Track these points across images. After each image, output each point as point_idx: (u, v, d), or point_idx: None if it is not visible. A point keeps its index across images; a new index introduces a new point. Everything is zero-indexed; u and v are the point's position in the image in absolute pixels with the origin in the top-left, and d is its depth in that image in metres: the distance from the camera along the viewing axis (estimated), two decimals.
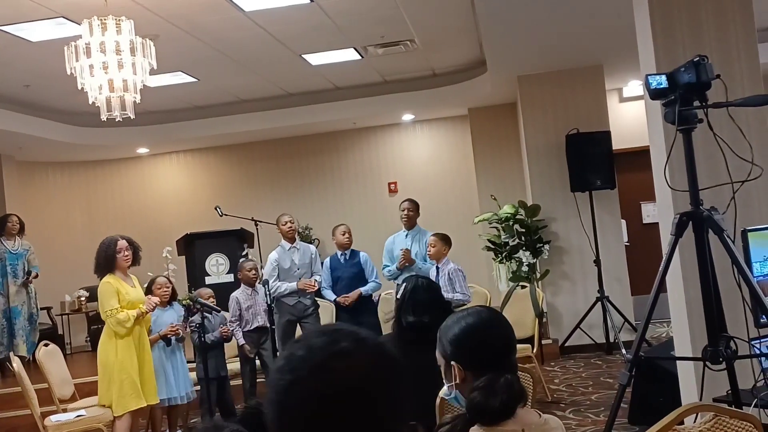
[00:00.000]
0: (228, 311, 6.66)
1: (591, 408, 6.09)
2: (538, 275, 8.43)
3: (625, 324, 8.24)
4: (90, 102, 6.01)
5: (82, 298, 10.34)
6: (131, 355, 5.36)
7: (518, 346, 2.37)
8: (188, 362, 6.88)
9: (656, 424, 2.30)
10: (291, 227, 6.94)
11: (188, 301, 6.46)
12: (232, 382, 6.56)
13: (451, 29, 7.74)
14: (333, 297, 6.88)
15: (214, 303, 6.36)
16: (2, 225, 8.89)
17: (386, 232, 7.44)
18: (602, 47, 7.82)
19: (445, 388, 2.10)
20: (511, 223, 8.42)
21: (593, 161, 8.15)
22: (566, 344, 8.31)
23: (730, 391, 3.08)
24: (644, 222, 10.03)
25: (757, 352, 3.13)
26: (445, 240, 6.35)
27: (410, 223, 6.94)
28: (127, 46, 5.76)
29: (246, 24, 6.88)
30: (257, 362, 6.61)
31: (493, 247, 8.64)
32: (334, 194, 11.44)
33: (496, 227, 8.66)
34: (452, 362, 2.04)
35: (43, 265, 9.34)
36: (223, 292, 6.96)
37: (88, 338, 10.31)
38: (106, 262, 5.42)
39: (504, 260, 8.47)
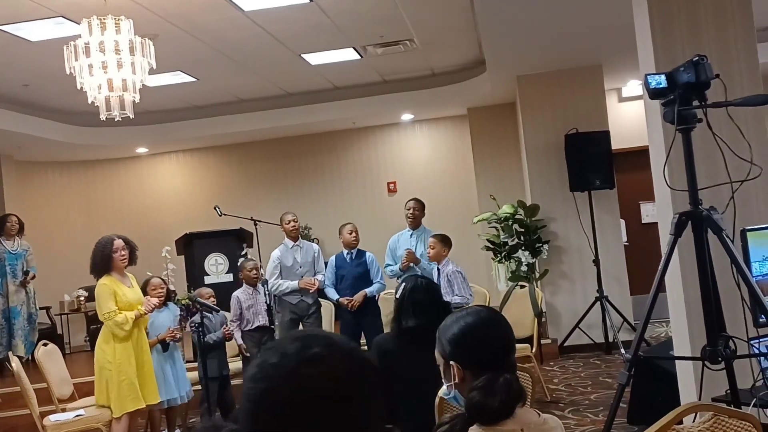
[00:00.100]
0: (228, 310, 6.66)
1: (590, 408, 6.10)
2: (537, 275, 8.43)
3: (624, 324, 8.24)
4: (89, 101, 6.01)
5: (81, 298, 10.34)
6: (129, 357, 5.33)
7: (517, 345, 2.38)
8: (188, 362, 6.89)
9: (655, 424, 2.30)
10: (294, 226, 6.95)
11: (187, 300, 6.45)
12: (234, 381, 6.55)
13: (450, 29, 7.74)
14: (336, 297, 6.83)
15: (215, 302, 6.36)
16: (1, 225, 8.88)
17: (385, 232, 7.44)
18: (601, 47, 7.83)
19: (444, 387, 2.10)
20: (510, 222, 8.42)
21: (592, 161, 8.15)
22: (565, 344, 8.31)
23: (729, 391, 3.08)
24: (643, 222, 10.03)
25: (756, 351, 3.13)
26: (444, 241, 6.32)
27: (415, 222, 6.93)
28: (126, 45, 5.76)
29: (245, 23, 6.88)
30: None
31: (492, 246, 8.64)
32: (334, 194, 11.45)
33: (495, 227, 8.67)
34: (451, 362, 2.04)
35: (42, 265, 9.34)
36: (222, 291, 6.96)
37: (87, 338, 10.30)
38: (103, 262, 5.36)
39: (503, 260, 8.47)
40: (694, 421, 2.44)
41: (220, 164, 11.76)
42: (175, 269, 8.34)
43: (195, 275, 8.31)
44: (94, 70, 5.75)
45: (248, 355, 6.50)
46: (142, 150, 11.54)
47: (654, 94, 3.06)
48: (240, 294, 6.68)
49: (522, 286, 7.48)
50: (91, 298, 9.33)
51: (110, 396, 5.28)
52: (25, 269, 8.91)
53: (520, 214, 8.42)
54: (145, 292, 5.82)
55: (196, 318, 6.00)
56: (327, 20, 7.03)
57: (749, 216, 3.85)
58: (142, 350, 5.46)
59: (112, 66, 5.74)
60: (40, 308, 9.45)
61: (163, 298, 5.95)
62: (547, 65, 8.40)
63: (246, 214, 8.01)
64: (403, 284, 3.87)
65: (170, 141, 11.03)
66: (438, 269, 6.28)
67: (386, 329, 5.59)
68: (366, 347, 6.02)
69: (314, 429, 1.09)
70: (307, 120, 10.38)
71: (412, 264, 6.60)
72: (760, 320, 3.10)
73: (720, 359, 2.99)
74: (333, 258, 7.03)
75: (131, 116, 6.12)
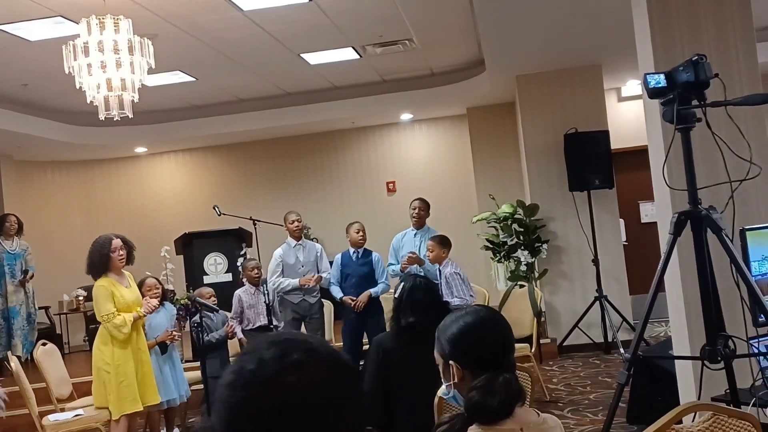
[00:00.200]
0: (228, 310, 6.66)
1: (589, 407, 6.10)
2: (537, 274, 8.43)
3: (624, 323, 8.24)
4: (88, 101, 6.01)
5: (80, 298, 10.34)
6: (128, 358, 5.27)
7: (516, 345, 2.38)
8: (187, 362, 6.89)
9: (654, 423, 2.30)
10: (298, 226, 6.96)
11: (186, 300, 6.44)
12: None
13: (449, 29, 7.74)
14: (340, 295, 6.78)
15: (215, 302, 6.36)
16: (0, 225, 8.88)
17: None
18: (601, 47, 7.83)
19: (443, 387, 2.10)
20: (509, 222, 8.42)
21: (591, 160, 8.15)
22: (564, 343, 8.31)
23: (728, 390, 3.08)
24: (642, 221, 10.03)
25: (756, 351, 3.13)
26: (442, 243, 6.29)
27: (420, 222, 6.91)
28: (125, 45, 5.75)
29: (244, 23, 6.87)
30: None
31: (491, 246, 8.64)
32: (333, 194, 11.44)
33: (494, 226, 8.67)
34: (450, 361, 2.03)
35: (41, 265, 9.33)
36: (221, 291, 6.95)
37: (86, 338, 10.29)
38: (101, 262, 5.28)
39: (502, 259, 8.48)
40: (693, 421, 2.44)
41: (219, 164, 11.76)
42: (174, 269, 8.32)
43: (194, 275, 8.30)
44: (93, 69, 5.75)
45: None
46: (141, 150, 11.53)
47: (653, 93, 3.06)
48: (242, 293, 6.70)
49: (521, 286, 7.48)
50: (90, 297, 9.32)
51: (108, 398, 5.23)
52: (24, 269, 8.91)
53: (520, 214, 8.42)
54: (140, 293, 5.80)
55: (197, 318, 6.00)
56: (326, 20, 7.03)
57: (748, 215, 3.85)
58: (140, 351, 5.40)
59: (111, 65, 5.74)
60: (39, 308, 9.44)
61: (158, 299, 5.94)
62: (546, 65, 8.40)
63: (245, 214, 8.00)
64: (402, 284, 3.87)
65: (169, 141, 11.02)
66: (439, 270, 6.28)
67: (388, 328, 5.58)
68: (368, 346, 6.01)
69: None
70: (306, 120, 10.38)
71: (416, 265, 6.58)
72: (760, 320, 3.10)
73: (719, 359, 2.99)
74: (339, 256, 6.98)
75: (130, 116, 6.11)
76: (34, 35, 6.66)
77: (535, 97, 8.67)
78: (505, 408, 1.91)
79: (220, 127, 10.47)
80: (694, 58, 2.96)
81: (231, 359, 6.48)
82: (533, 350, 6.58)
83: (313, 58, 8.43)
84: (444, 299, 5.85)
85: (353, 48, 8.18)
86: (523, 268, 8.26)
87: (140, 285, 5.87)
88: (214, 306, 6.29)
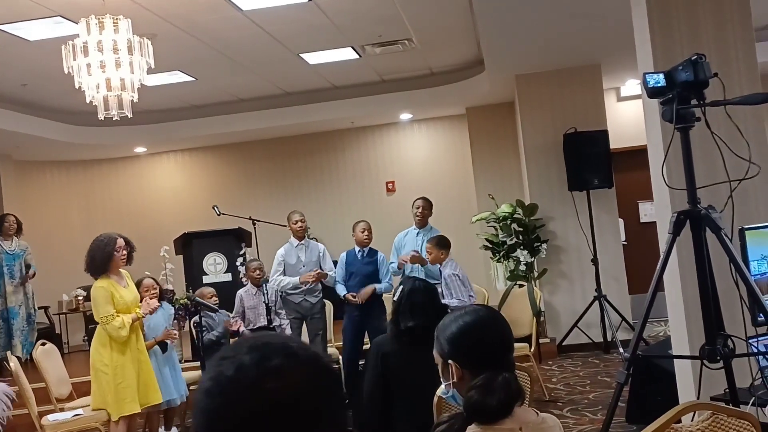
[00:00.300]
0: (228, 310, 6.66)
1: (588, 407, 6.10)
2: (536, 274, 8.43)
3: (623, 323, 8.24)
4: (87, 101, 6.01)
5: (80, 298, 10.33)
6: (126, 360, 5.21)
7: (516, 344, 2.37)
8: (186, 361, 6.88)
9: (654, 423, 2.30)
10: (301, 226, 6.96)
11: (185, 300, 6.44)
12: None
13: (448, 28, 7.74)
14: (344, 292, 6.76)
15: (217, 302, 6.35)
16: None
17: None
18: (600, 46, 7.83)
19: (442, 386, 2.10)
20: (508, 222, 8.42)
21: (591, 160, 8.15)
22: (564, 343, 8.32)
23: (727, 390, 3.08)
24: (642, 221, 10.04)
25: (755, 350, 3.13)
26: (440, 245, 6.28)
27: (423, 221, 6.94)
28: (124, 45, 5.75)
29: (244, 23, 6.87)
30: None
31: (490, 246, 8.64)
32: (332, 193, 11.44)
33: (493, 226, 8.67)
34: (449, 361, 2.03)
35: (40, 265, 9.33)
36: (220, 291, 6.95)
37: (86, 337, 10.29)
38: (103, 260, 5.19)
39: (502, 259, 8.48)
40: (692, 420, 2.44)
41: (218, 164, 11.76)
42: (174, 269, 8.32)
43: (194, 275, 8.30)
44: (92, 69, 5.74)
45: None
46: (140, 149, 11.53)
47: (652, 93, 3.07)
48: (243, 294, 6.72)
49: (520, 286, 7.47)
50: (89, 297, 9.31)
51: (106, 399, 5.18)
52: (26, 263, 8.90)
53: (519, 214, 8.42)
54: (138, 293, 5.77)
55: (197, 318, 6.00)
56: (325, 20, 7.03)
57: (748, 215, 3.85)
58: (139, 352, 5.35)
59: (111, 65, 5.73)
60: (39, 308, 9.44)
61: (156, 299, 5.92)
62: (545, 65, 8.40)
63: (244, 214, 8.00)
64: (401, 286, 3.87)
65: (169, 140, 11.02)
66: (440, 271, 6.28)
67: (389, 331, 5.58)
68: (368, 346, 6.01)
69: None
70: (305, 119, 10.38)
71: (418, 264, 6.58)
72: (759, 319, 3.10)
73: (718, 358, 2.99)
74: (344, 254, 6.98)
75: (129, 116, 6.11)
76: (33, 35, 6.66)
77: (534, 96, 8.67)
78: (504, 407, 1.91)
79: (219, 127, 10.47)
80: (693, 58, 2.96)
81: None
82: (532, 350, 6.58)
83: (313, 57, 8.43)
84: (444, 300, 5.87)
85: (353, 48, 8.18)
86: (522, 267, 8.26)
87: (138, 285, 5.82)
88: (214, 306, 6.29)
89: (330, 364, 1.14)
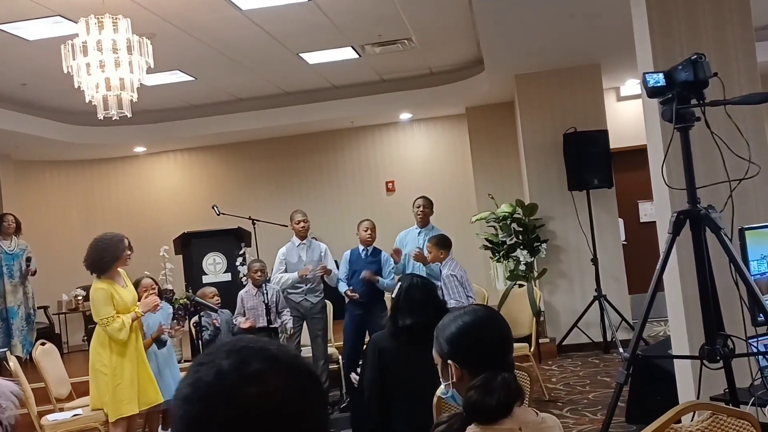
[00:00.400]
0: (228, 309, 6.67)
1: (588, 407, 6.09)
2: (536, 274, 8.43)
3: (623, 323, 8.24)
4: (87, 101, 6.00)
5: (79, 297, 10.33)
6: (125, 361, 5.17)
7: (515, 344, 2.37)
8: (186, 361, 6.87)
9: (653, 423, 2.30)
10: (304, 226, 6.97)
11: (185, 300, 6.43)
12: None
13: (448, 28, 7.74)
14: (345, 288, 6.79)
15: (218, 302, 6.35)
16: None
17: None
18: (599, 46, 7.83)
19: (441, 386, 2.10)
20: (508, 221, 8.42)
21: (591, 160, 8.15)
22: (563, 343, 8.32)
23: (727, 390, 3.08)
24: (641, 221, 10.03)
25: (755, 350, 3.13)
26: (439, 244, 6.28)
27: (424, 220, 6.96)
28: (124, 44, 5.75)
29: (243, 23, 6.87)
30: None
31: (490, 245, 8.64)
32: (332, 193, 11.44)
33: (493, 226, 8.67)
34: (449, 361, 2.03)
35: (40, 265, 9.32)
36: (220, 291, 6.94)
37: (85, 337, 10.28)
38: (109, 260, 5.10)
39: (501, 259, 8.47)
40: (692, 420, 2.44)
41: (218, 163, 11.75)
42: (173, 269, 8.31)
43: (193, 275, 8.29)
44: (91, 69, 5.74)
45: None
46: (140, 149, 11.52)
47: (652, 92, 3.06)
48: (244, 294, 6.74)
49: (520, 285, 7.47)
50: (89, 297, 9.30)
51: (105, 400, 5.14)
52: (28, 259, 8.90)
53: (519, 213, 8.42)
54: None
55: (197, 318, 5.99)
56: (325, 19, 7.03)
57: (747, 215, 3.85)
58: (139, 352, 5.32)
59: (110, 65, 5.73)
60: (38, 308, 9.44)
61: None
62: (545, 64, 8.40)
63: (244, 214, 8.00)
64: (399, 283, 3.87)
65: (168, 140, 11.01)
66: (441, 271, 6.29)
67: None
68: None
69: None
70: (305, 119, 10.38)
71: (420, 263, 6.59)
72: (759, 319, 3.10)
73: (718, 358, 2.99)
74: (348, 253, 7.01)
75: (129, 115, 6.11)
76: (32, 35, 6.65)
77: (534, 96, 8.67)
78: (504, 407, 1.90)
79: (219, 126, 10.47)
80: (693, 57, 2.96)
81: None
82: (532, 350, 6.58)
83: (312, 57, 8.43)
84: (443, 300, 5.86)
85: (352, 47, 8.18)
86: (522, 267, 8.26)
87: (136, 285, 5.80)
88: (214, 305, 6.29)
89: (310, 365, 1.12)
